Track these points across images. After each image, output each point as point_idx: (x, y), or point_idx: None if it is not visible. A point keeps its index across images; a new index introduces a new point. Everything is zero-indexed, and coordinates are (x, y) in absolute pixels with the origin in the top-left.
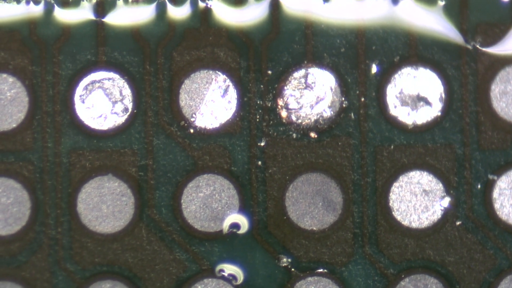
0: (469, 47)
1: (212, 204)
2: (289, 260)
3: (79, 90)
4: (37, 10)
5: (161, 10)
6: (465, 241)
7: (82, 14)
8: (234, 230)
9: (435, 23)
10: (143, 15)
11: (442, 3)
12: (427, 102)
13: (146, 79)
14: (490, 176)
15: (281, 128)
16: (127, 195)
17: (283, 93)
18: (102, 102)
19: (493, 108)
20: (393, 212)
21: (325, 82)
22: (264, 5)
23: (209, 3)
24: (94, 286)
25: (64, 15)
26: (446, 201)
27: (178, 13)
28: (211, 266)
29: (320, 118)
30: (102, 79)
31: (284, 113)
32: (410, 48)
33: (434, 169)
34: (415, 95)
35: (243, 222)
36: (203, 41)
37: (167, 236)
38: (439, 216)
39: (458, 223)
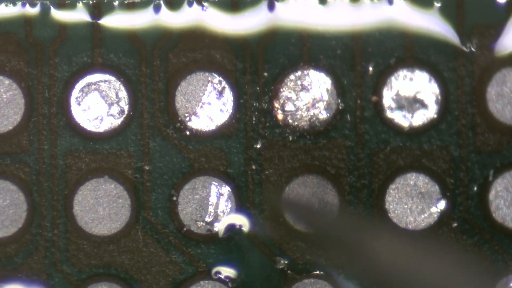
0: (465, 49)
1: (208, 206)
2: (286, 262)
3: (75, 92)
4: (33, 12)
5: (158, 12)
6: (461, 243)
7: (78, 16)
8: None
9: (431, 25)
10: (139, 17)
11: (438, 5)
12: (423, 104)
13: (142, 81)
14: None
15: (277, 130)
16: (123, 197)
17: (279, 95)
18: (98, 104)
19: (489, 110)
20: (389, 214)
21: (321, 84)
22: (260, 7)
23: (205, 5)
24: None
25: (61, 17)
26: (442, 203)
27: (174, 15)
28: (207, 268)
29: (316, 120)
30: (98, 81)
31: (280, 115)
32: (406, 50)
33: (430, 171)
34: (411, 97)
35: (243, 222)
36: (199, 43)
37: (163, 238)
38: (435, 219)
39: (454, 225)
